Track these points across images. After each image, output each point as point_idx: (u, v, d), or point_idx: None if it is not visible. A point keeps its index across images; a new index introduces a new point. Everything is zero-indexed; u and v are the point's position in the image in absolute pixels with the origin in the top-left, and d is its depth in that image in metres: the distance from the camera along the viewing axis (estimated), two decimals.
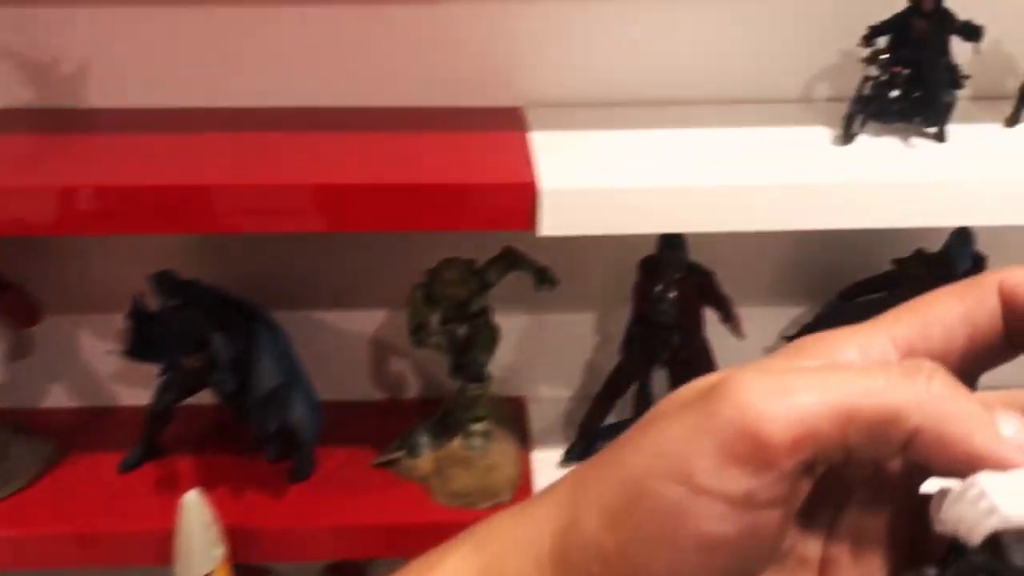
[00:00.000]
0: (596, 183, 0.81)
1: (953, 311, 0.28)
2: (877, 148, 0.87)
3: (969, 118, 0.92)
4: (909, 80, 0.86)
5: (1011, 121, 0.91)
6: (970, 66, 0.88)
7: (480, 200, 0.80)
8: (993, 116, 0.93)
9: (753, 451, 0.25)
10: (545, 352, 1.10)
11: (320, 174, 0.80)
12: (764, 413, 0.25)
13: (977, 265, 0.93)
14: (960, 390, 0.26)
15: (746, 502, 0.26)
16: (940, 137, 0.87)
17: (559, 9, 0.94)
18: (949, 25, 0.84)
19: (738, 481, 0.26)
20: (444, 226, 0.81)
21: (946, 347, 0.28)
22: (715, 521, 0.26)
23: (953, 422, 0.25)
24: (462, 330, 0.89)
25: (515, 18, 0.94)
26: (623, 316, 1.00)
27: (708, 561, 0.26)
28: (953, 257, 0.94)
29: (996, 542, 0.23)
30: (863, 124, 0.87)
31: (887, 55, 0.84)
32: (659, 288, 0.95)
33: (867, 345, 0.28)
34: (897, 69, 0.85)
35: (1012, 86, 0.93)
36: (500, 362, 1.08)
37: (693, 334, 0.97)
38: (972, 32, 0.83)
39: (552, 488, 0.31)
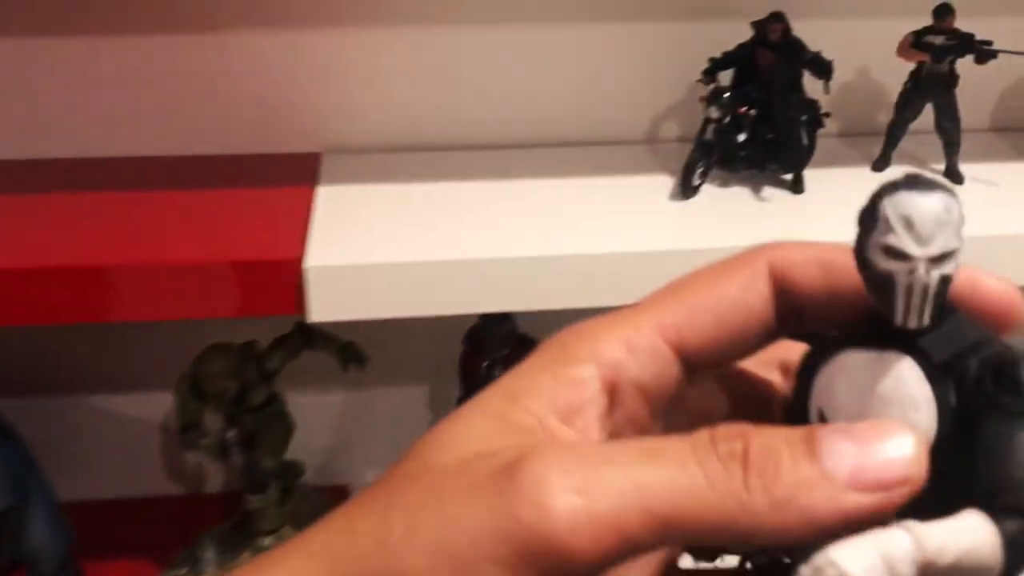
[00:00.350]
0: (377, 257, 0.66)
1: (722, 295, 0.27)
2: (724, 202, 0.74)
3: (834, 159, 0.80)
4: (758, 121, 0.73)
5: (879, 164, 0.78)
6: (836, 100, 0.76)
7: (235, 281, 0.65)
8: (861, 158, 0.81)
9: (557, 564, 0.23)
10: (370, 433, 0.96)
11: (25, 254, 0.64)
12: (571, 521, 0.23)
13: None
14: (779, 459, 0.23)
15: None
16: (797, 187, 0.75)
17: (366, 40, 0.81)
18: (798, 57, 0.71)
19: None
20: (192, 314, 0.66)
21: (716, 334, 0.27)
22: None
23: (782, 512, 0.23)
24: (231, 434, 0.73)
25: (313, 51, 0.81)
26: (457, 388, 0.87)
27: None
28: None
29: None
30: (706, 173, 0.74)
31: (729, 93, 0.71)
32: (486, 364, 0.82)
33: (632, 339, 0.26)
34: (743, 109, 0.72)
35: (884, 121, 0.81)
36: (318, 447, 0.94)
37: None
38: (822, 68, 0.70)
39: (287, 558, 0.24)
